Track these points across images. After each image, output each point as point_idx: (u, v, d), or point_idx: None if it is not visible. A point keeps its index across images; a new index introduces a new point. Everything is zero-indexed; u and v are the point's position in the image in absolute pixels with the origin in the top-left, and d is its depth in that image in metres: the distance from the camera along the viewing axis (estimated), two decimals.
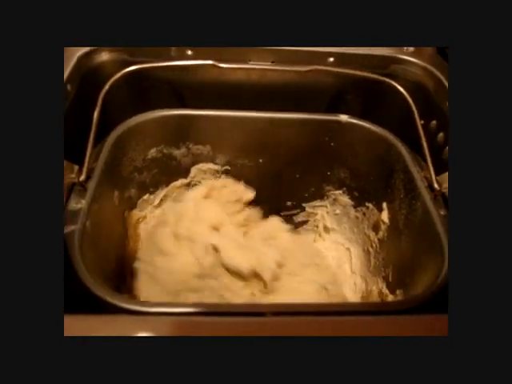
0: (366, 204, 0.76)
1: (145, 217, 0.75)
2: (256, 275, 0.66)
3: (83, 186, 0.56)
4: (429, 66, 0.74)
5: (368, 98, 0.78)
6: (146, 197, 0.75)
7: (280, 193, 0.79)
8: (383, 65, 0.75)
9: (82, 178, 0.56)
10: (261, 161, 0.76)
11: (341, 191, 0.79)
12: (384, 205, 0.71)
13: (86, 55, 0.70)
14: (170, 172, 0.75)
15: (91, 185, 0.56)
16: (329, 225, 0.83)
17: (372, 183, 0.74)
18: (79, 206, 0.53)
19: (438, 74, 0.72)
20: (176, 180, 0.77)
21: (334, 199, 0.81)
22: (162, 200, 0.77)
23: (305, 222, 0.85)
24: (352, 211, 0.79)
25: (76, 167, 0.57)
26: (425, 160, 0.62)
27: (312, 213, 0.84)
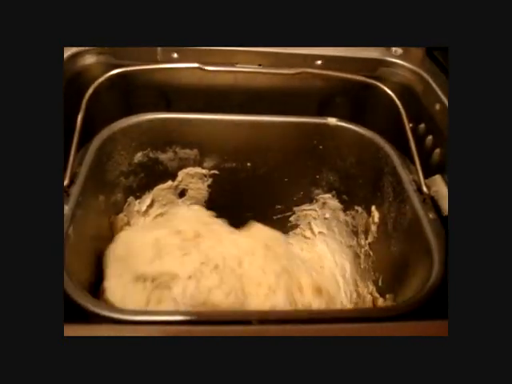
0: (355, 207, 0.75)
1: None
2: None
3: (66, 191, 0.55)
4: (417, 69, 0.74)
5: (356, 100, 0.77)
6: (132, 201, 0.73)
7: (268, 197, 0.78)
8: (371, 67, 0.75)
9: (66, 182, 0.55)
10: (249, 164, 0.75)
11: (330, 195, 0.78)
12: (373, 208, 0.70)
13: (71, 58, 0.69)
14: (157, 176, 0.74)
15: (75, 190, 0.55)
16: (318, 229, 0.82)
17: (361, 186, 0.73)
18: None
19: (427, 76, 0.72)
20: (163, 184, 0.75)
21: (323, 203, 0.80)
22: (149, 205, 0.76)
23: (294, 227, 0.84)
24: (341, 215, 0.78)
25: None
26: (413, 163, 0.62)
27: (301, 216, 0.83)
